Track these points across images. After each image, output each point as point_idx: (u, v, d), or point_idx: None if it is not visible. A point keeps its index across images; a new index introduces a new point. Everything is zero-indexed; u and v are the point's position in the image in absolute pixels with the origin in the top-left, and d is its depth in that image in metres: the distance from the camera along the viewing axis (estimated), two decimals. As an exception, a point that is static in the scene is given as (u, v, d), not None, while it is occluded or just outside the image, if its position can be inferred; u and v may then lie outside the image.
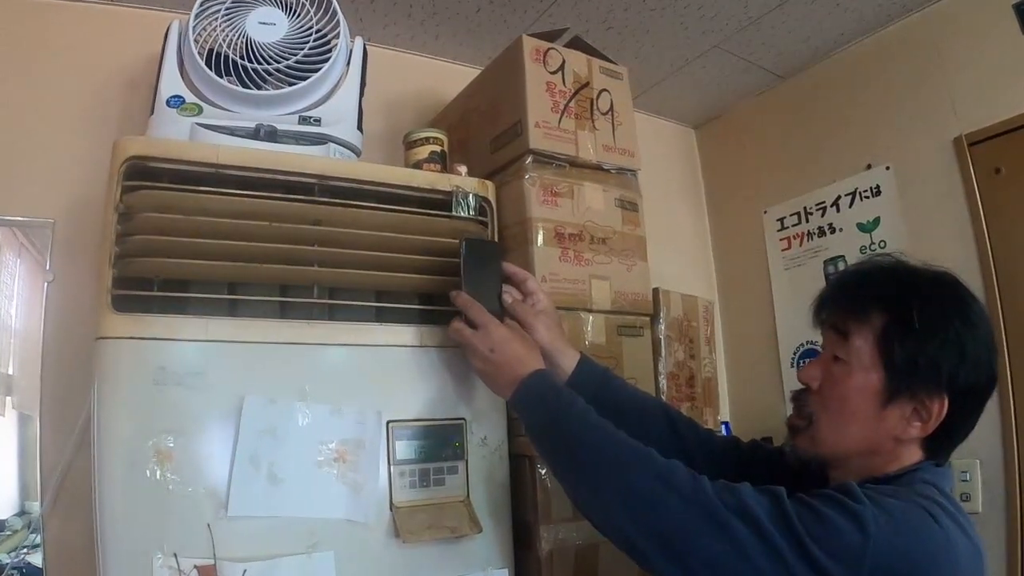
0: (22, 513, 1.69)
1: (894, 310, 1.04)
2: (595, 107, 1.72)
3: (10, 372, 1.79)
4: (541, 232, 1.56)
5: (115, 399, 1.16)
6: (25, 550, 1.65)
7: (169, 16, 1.75)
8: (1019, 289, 1.99)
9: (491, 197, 1.56)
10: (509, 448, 1.46)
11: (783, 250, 2.66)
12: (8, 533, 1.66)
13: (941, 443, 1.05)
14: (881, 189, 2.35)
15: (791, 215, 2.63)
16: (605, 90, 1.75)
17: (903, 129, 2.31)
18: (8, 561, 1.63)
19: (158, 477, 1.14)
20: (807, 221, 2.57)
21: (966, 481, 2.02)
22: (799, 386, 1.16)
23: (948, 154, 2.18)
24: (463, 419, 1.40)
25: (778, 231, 2.68)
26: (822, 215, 2.52)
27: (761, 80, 2.72)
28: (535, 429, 1.20)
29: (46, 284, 1.80)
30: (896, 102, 2.33)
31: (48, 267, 1.80)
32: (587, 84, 1.72)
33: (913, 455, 1.05)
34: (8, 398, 1.76)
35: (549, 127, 1.62)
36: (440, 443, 1.37)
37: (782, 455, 1.22)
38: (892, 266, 1.12)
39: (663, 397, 1.73)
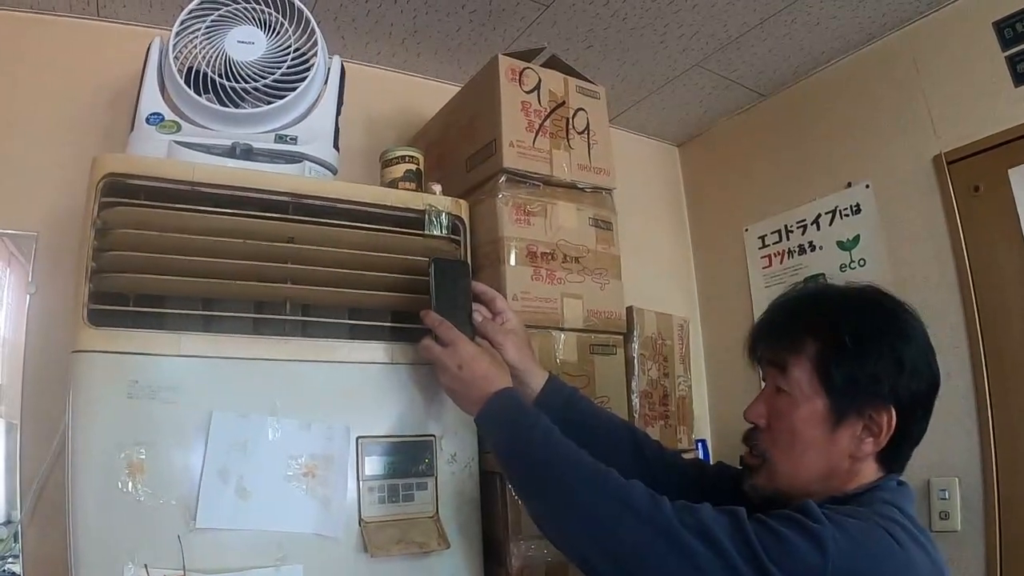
0: (7, 522, 1.69)
1: (825, 335, 1.06)
2: (571, 126, 1.73)
3: (-2, 381, 1.80)
4: (514, 251, 1.58)
5: (89, 411, 1.17)
6: (8, 559, 1.65)
7: (153, 32, 1.76)
8: (997, 306, 2.00)
9: (464, 216, 1.57)
10: (479, 465, 1.47)
11: (764, 267, 2.68)
12: (-7, 542, 1.66)
13: (895, 453, 1.07)
14: (861, 207, 2.37)
15: (772, 233, 2.65)
16: (581, 109, 1.76)
17: (883, 147, 2.32)
18: (-8, 569, 1.64)
19: (130, 489, 1.15)
20: (788, 239, 2.59)
21: (945, 499, 2.03)
22: None
23: (927, 172, 2.19)
24: (433, 436, 1.41)
25: (759, 248, 2.70)
26: (803, 233, 2.54)
27: (742, 98, 2.74)
28: (499, 447, 1.21)
29: (28, 296, 1.81)
30: (876, 120, 2.35)
31: (31, 279, 1.82)
32: (563, 103, 1.73)
33: (870, 470, 1.07)
34: (-5, 407, 1.77)
35: (523, 146, 1.63)
36: (409, 459, 1.38)
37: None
38: (816, 292, 1.16)
39: (636, 415, 1.73)
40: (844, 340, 1.04)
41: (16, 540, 1.67)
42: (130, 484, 1.16)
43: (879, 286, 1.12)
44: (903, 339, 1.06)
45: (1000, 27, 2.05)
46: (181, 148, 1.41)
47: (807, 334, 1.08)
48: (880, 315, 1.08)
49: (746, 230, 2.75)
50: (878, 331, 1.05)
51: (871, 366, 1.03)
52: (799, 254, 2.55)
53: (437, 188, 1.58)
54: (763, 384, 1.19)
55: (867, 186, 2.35)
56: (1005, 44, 2.04)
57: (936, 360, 1.08)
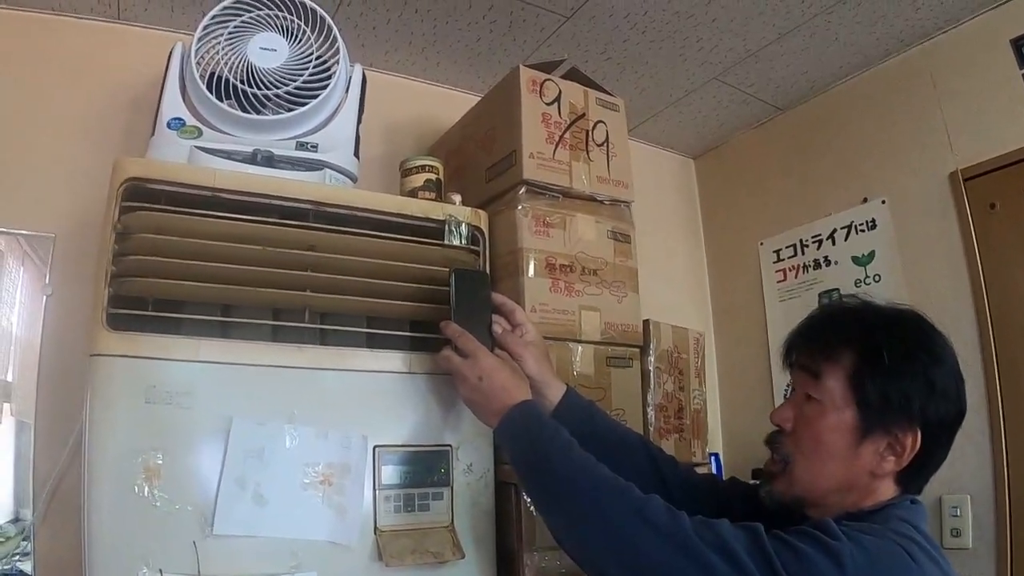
0: (16, 520, 1.69)
1: (863, 349, 1.07)
2: (590, 138, 1.73)
3: (9, 379, 1.80)
4: (532, 262, 1.58)
5: (106, 415, 1.17)
6: (17, 557, 1.66)
7: (175, 37, 1.78)
8: (1012, 324, 2.00)
9: (484, 226, 1.57)
10: (495, 476, 1.46)
11: (779, 282, 2.67)
12: (1, 540, 1.66)
13: (915, 476, 1.08)
14: (876, 223, 2.36)
15: (787, 247, 2.65)
16: (601, 121, 1.76)
17: (899, 163, 2.32)
18: (1, 568, 1.64)
19: (146, 493, 1.15)
20: (803, 253, 2.59)
21: (956, 516, 2.01)
22: None
23: (944, 189, 2.19)
24: (449, 446, 1.41)
25: (774, 263, 2.69)
26: (818, 248, 2.54)
27: (760, 112, 2.74)
28: (518, 459, 1.21)
29: (45, 298, 1.82)
30: (893, 136, 2.35)
31: (47, 281, 1.82)
32: (583, 115, 1.74)
33: (888, 489, 1.07)
34: (6, 405, 1.77)
35: (543, 158, 1.63)
36: (426, 469, 1.38)
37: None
38: (858, 307, 1.15)
39: (651, 428, 1.73)
40: (882, 356, 1.05)
41: (26, 538, 1.67)
42: (146, 489, 1.16)
43: (918, 310, 1.13)
44: (937, 363, 1.06)
45: (1018, 44, 2.05)
46: (202, 154, 1.41)
47: (845, 345, 1.08)
48: (918, 337, 1.08)
49: (761, 244, 2.75)
50: (914, 352, 1.06)
51: (905, 385, 1.04)
52: (814, 269, 2.54)
53: (457, 198, 1.58)
54: (787, 390, 1.19)
55: (883, 202, 2.35)
56: (1023, 61, 2.04)
57: (964, 390, 1.09)
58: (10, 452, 1.75)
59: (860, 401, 1.05)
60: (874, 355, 1.05)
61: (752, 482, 1.32)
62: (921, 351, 1.06)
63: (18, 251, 1.85)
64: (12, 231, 1.83)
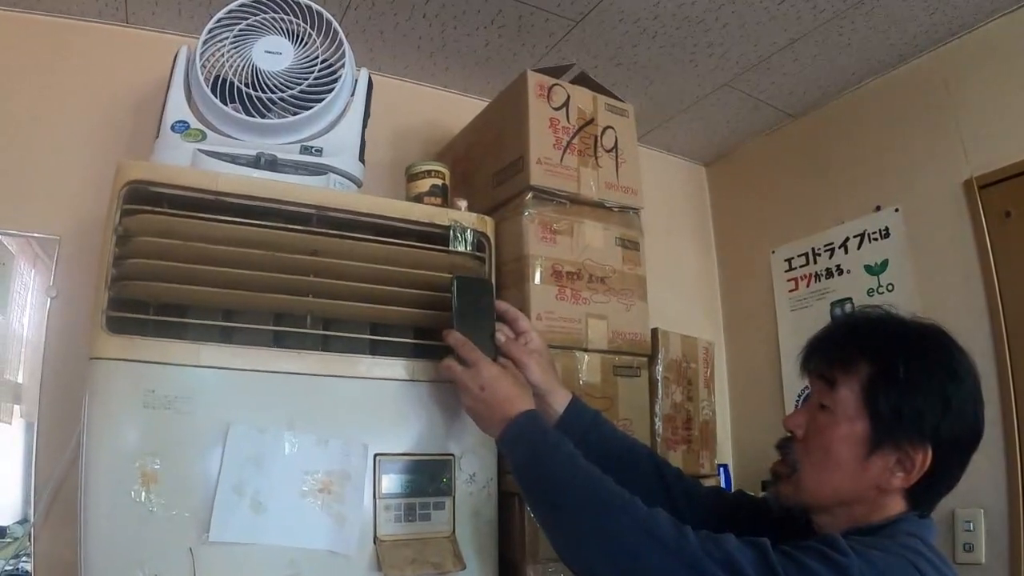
0: (24, 521, 1.70)
1: (879, 361, 1.05)
2: (599, 144, 1.72)
3: (20, 381, 1.81)
4: (539, 270, 1.56)
5: (104, 419, 1.17)
6: (24, 558, 1.66)
7: (182, 40, 1.78)
8: (1027, 335, 1.96)
9: (490, 233, 1.55)
10: (498, 486, 1.45)
11: (790, 291, 2.64)
12: (8, 540, 1.67)
13: (924, 494, 1.05)
14: (890, 231, 2.34)
15: (799, 256, 2.62)
16: (610, 127, 1.75)
17: (913, 171, 2.29)
18: (5, 568, 1.64)
19: (142, 499, 1.15)
20: (815, 262, 2.56)
21: (970, 531, 1.98)
22: None
23: (958, 197, 2.16)
24: (451, 455, 1.40)
25: (786, 271, 2.67)
26: (830, 256, 2.51)
27: (771, 119, 2.72)
28: (520, 469, 1.19)
29: (49, 300, 1.82)
30: (906, 143, 2.32)
31: (52, 283, 1.83)
32: (591, 121, 1.72)
33: (896, 505, 1.05)
34: (16, 407, 1.78)
35: (551, 164, 1.62)
36: (427, 478, 1.37)
37: (766, 505, 1.21)
38: (880, 318, 1.13)
39: (658, 439, 1.71)
40: (897, 370, 1.03)
41: (30, 539, 1.67)
42: (143, 494, 1.15)
43: (942, 326, 1.11)
44: (954, 380, 1.04)
45: (1034, 49, 2.02)
46: (205, 157, 1.40)
47: (861, 355, 1.06)
48: (937, 352, 1.07)
49: (773, 252, 2.73)
50: (932, 367, 1.04)
51: (919, 401, 1.02)
52: (826, 278, 2.52)
53: (463, 204, 1.56)
54: (797, 398, 1.17)
55: (896, 210, 2.32)
56: (1038, 67, 2.01)
57: (983, 412, 1.07)
58: (20, 454, 1.76)
59: (872, 414, 1.03)
60: (890, 368, 1.04)
61: (760, 495, 1.30)
62: (939, 367, 1.04)
63: (29, 253, 1.85)
64: (17, 232, 1.84)
